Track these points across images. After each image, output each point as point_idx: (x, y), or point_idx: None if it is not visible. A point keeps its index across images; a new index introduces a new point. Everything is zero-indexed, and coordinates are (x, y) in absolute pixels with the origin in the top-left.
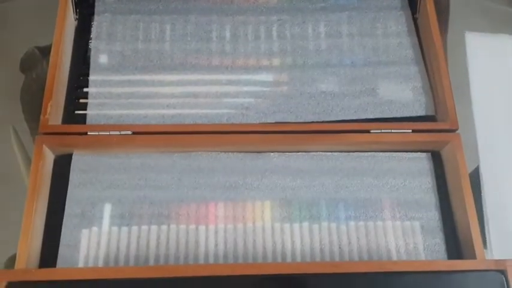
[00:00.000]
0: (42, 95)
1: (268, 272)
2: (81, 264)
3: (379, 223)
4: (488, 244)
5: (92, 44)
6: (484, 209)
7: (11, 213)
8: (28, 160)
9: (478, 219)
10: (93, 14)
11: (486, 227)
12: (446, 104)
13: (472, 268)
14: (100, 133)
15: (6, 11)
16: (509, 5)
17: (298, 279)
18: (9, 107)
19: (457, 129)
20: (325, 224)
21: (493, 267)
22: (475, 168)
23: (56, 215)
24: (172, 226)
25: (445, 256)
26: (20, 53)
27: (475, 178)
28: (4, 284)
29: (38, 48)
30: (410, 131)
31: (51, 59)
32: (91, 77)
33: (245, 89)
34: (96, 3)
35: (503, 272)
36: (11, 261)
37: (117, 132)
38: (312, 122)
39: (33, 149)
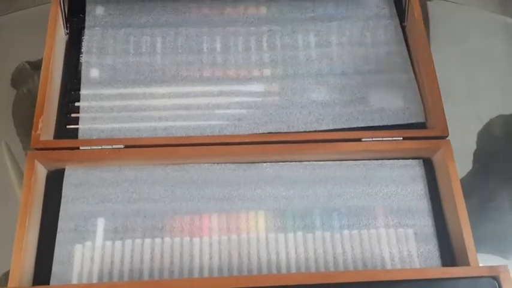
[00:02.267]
0: (34, 110)
1: (263, 284)
2: (75, 281)
3: (373, 231)
4: None
5: (83, 58)
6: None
7: (4, 228)
8: (21, 175)
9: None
10: (83, 28)
11: None
12: (436, 111)
13: (465, 275)
14: (92, 147)
15: None
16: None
17: None
18: (1, 122)
19: (447, 136)
20: (319, 233)
21: (486, 274)
22: (470, 171)
23: (49, 230)
24: (167, 239)
25: (439, 262)
26: (10, 68)
27: (470, 181)
28: None
29: (29, 62)
30: (401, 138)
31: (42, 73)
32: (82, 91)
33: (236, 99)
34: (86, 18)
35: (496, 279)
36: (4, 278)
37: (110, 146)
38: (304, 132)
39: (25, 164)
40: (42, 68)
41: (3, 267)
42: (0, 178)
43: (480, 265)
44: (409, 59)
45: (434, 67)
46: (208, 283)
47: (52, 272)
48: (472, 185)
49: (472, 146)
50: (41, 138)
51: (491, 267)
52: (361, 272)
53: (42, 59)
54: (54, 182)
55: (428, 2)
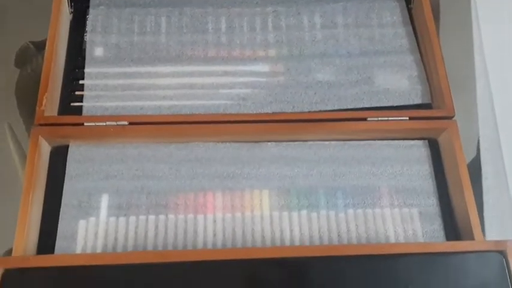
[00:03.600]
0: (38, 90)
1: (266, 256)
2: None
3: (378, 210)
4: (486, 232)
5: (88, 37)
6: (484, 196)
7: (8, 211)
8: (24, 157)
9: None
10: (88, 7)
11: (486, 214)
12: (442, 91)
13: (471, 249)
14: (96, 124)
15: (0, 7)
16: None
17: (297, 262)
18: (4, 103)
19: (453, 116)
20: (323, 212)
21: (492, 248)
22: (473, 159)
23: (53, 206)
24: (171, 216)
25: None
26: (14, 49)
27: (473, 169)
28: (1, 271)
29: (33, 42)
30: (407, 118)
31: (46, 51)
32: (87, 70)
33: (241, 79)
34: None
35: (503, 253)
36: (7, 255)
37: (114, 123)
38: (309, 112)
39: (28, 145)
40: (46, 46)
41: (7, 246)
42: (3, 159)
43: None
44: (415, 40)
45: (440, 48)
46: (212, 254)
47: (56, 247)
48: (476, 172)
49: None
50: (45, 115)
51: (497, 241)
52: (365, 246)
53: (46, 39)
54: (58, 158)
55: None
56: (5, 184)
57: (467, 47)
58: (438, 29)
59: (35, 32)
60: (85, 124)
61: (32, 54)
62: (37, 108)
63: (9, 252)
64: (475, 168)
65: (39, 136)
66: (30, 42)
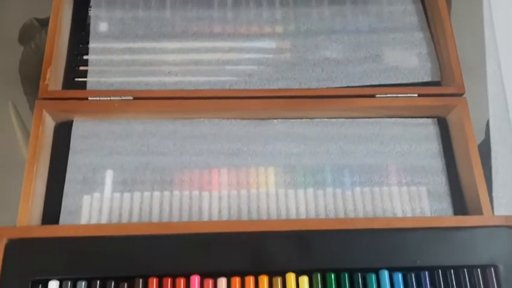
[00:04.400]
0: (41, 66)
1: (273, 228)
2: None
3: (385, 189)
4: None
5: (92, 12)
6: (493, 176)
7: (12, 190)
8: (27, 135)
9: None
10: None
11: (494, 194)
12: (452, 68)
13: (480, 224)
14: (101, 98)
15: None
16: None
17: (303, 235)
18: (8, 82)
19: (463, 94)
20: (330, 190)
21: (502, 223)
22: (483, 141)
23: (57, 181)
24: (175, 192)
25: None
26: (18, 27)
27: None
28: (4, 241)
29: (37, 19)
30: (416, 95)
31: (50, 25)
32: (91, 45)
33: (248, 56)
34: None
35: None
36: None
37: (118, 98)
38: (316, 88)
39: (32, 123)
40: (50, 20)
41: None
42: (7, 138)
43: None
44: (425, 17)
45: (451, 25)
46: (217, 226)
47: (60, 222)
48: (485, 154)
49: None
50: (49, 89)
51: (508, 216)
52: (374, 219)
53: (50, 16)
54: (63, 133)
55: None
56: (10, 163)
57: (478, 28)
58: (449, 10)
59: (39, 9)
60: (89, 98)
61: (35, 30)
62: (41, 82)
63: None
64: (484, 151)
65: (43, 110)
66: (34, 18)
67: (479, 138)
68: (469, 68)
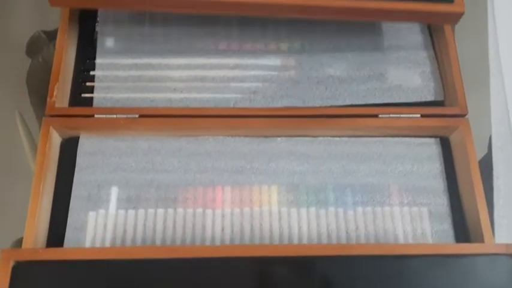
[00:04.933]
0: (49, 79)
1: (276, 253)
2: (87, 247)
3: (387, 208)
4: (496, 231)
5: (99, 28)
6: (494, 196)
7: (18, 197)
8: (34, 145)
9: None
10: None
11: (496, 213)
12: (455, 89)
13: (481, 252)
14: (107, 116)
15: None
16: None
17: (306, 261)
18: (15, 91)
19: (466, 115)
20: (332, 209)
21: (503, 252)
22: (484, 156)
23: (63, 197)
24: (179, 210)
25: (453, 242)
26: (26, 38)
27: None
28: (12, 263)
29: (45, 32)
30: (419, 115)
31: (57, 41)
32: (98, 60)
33: (252, 73)
34: None
35: None
36: (17, 244)
37: (124, 115)
38: (320, 107)
39: (38, 134)
40: (58, 36)
41: (16, 235)
42: (13, 147)
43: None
44: (429, 36)
45: (455, 44)
46: (220, 250)
47: (65, 238)
48: (486, 169)
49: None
50: (56, 106)
51: (508, 244)
52: (376, 246)
53: (57, 28)
54: (69, 149)
55: None
56: (15, 170)
57: (482, 43)
58: (453, 28)
59: (46, 21)
60: (95, 116)
61: (43, 43)
62: (48, 99)
63: (18, 242)
64: (485, 166)
65: (50, 127)
66: (41, 31)
67: (482, 152)
68: (471, 78)
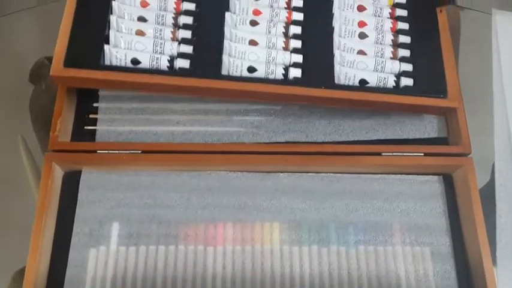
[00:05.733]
0: (52, 107)
1: None
2: (88, 285)
3: (389, 248)
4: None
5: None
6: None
7: (20, 220)
8: (35, 169)
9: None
10: None
11: (498, 253)
12: (459, 127)
13: None
14: (109, 151)
15: (16, 20)
16: None
17: None
18: (18, 115)
19: (470, 153)
20: (334, 247)
21: None
22: (487, 184)
23: (64, 233)
24: (181, 247)
25: (456, 283)
26: (29, 61)
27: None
28: None
29: (48, 58)
30: (422, 154)
31: None
32: (101, 92)
33: (255, 106)
34: None
35: None
36: (18, 275)
37: (127, 151)
38: (323, 143)
39: (41, 158)
40: None
41: (18, 256)
42: (16, 171)
43: None
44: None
45: (459, 80)
46: None
47: (66, 276)
48: (488, 198)
49: (492, 157)
50: (59, 140)
51: None
52: None
53: None
54: (71, 183)
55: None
56: (18, 191)
57: (486, 68)
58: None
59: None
60: (98, 151)
61: (46, 70)
62: (51, 133)
63: (19, 272)
64: (487, 194)
65: (53, 162)
66: (45, 57)
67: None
68: (473, 97)
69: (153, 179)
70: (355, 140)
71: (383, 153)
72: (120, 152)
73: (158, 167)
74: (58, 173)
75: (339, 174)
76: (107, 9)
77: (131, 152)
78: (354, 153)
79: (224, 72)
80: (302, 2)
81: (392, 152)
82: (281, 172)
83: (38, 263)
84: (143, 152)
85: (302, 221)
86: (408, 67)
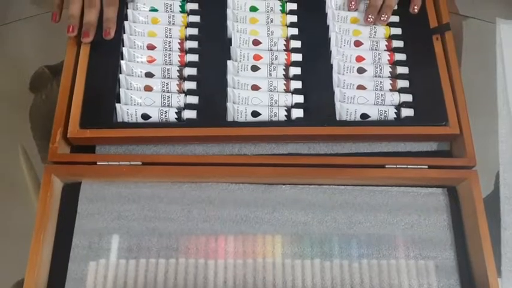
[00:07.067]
0: (52, 116)
1: None
2: None
3: (393, 262)
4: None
5: None
6: (502, 249)
7: (20, 229)
8: (35, 178)
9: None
10: None
11: (503, 267)
12: (464, 140)
13: None
14: (109, 163)
15: (17, 29)
16: None
17: None
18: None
19: (474, 166)
20: (337, 261)
21: None
22: (490, 194)
23: (64, 246)
24: (181, 260)
25: None
26: (30, 70)
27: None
28: None
29: (48, 67)
30: (427, 166)
31: (61, 84)
32: None
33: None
34: None
35: None
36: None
37: (127, 163)
38: (325, 155)
39: (41, 166)
40: (62, 78)
41: (18, 264)
42: (16, 179)
43: None
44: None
45: (464, 94)
46: None
47: None
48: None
49: (496, 166)
50: (59, 151)
51: None
52: None
53: (61, 62)
54: (70, 195)
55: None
56: (18, 199)
57: (490, 76)
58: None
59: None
60: (98, 163)
61: (46, 79)
62: (50, 144)
63: (18, 284)
64: (490, 205)
65: (52, 174)
66: (45, 66)
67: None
68: (476, 105)
69: (153, 190)
70: (358, 152)
71: (387, 166)
72: (120, 163)
73: (159, 178)
74: (57, 185)
75: (342, 187)
76: (116, 68)
77: (131, 163)
78: (357, 165)
79: (229, 118)
80: (300, 42)
81: (396, 165)
82: (283, 184)
83: (37, 276)
84: (143, 163)
85: (304, 234)
86: (408, 98)
